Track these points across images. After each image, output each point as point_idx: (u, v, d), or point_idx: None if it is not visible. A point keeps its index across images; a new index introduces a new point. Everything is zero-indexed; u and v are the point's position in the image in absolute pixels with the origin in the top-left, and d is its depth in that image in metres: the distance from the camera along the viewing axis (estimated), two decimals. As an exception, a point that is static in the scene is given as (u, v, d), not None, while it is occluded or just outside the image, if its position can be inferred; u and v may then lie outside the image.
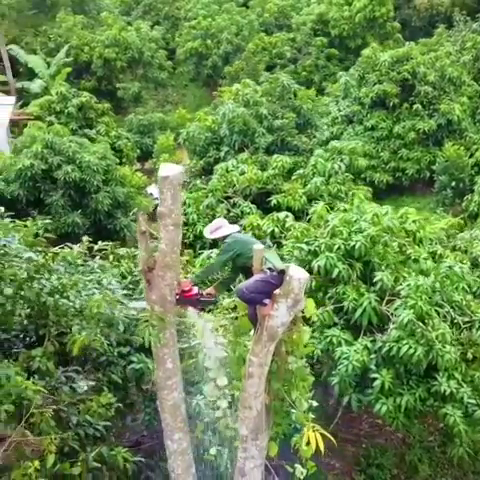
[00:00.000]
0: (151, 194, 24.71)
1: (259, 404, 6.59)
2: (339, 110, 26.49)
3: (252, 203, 15.34)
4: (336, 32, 36.87)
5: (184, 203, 15.71)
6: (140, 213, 5.97)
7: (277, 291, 5.96)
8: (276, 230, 12.86)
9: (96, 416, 8.12)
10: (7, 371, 6.83)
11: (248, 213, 14.69)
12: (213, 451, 8.22)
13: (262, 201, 15.58)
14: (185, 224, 15.58)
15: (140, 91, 35.98)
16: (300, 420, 6.71)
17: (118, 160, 25.90)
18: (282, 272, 5.92)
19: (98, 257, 11.63)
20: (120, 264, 11.49)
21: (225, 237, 6.50)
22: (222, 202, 15.26)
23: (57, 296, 7.59)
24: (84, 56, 36.87)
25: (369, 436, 14.03)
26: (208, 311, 7.90)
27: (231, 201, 15.38)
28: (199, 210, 15.14)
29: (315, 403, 7.15)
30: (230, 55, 37.95)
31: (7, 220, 7.91)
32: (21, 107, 31.37)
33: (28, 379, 7.72)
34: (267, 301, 5.97)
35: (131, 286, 11.23)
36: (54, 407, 7.77)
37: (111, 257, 11.54)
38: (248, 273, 6.21)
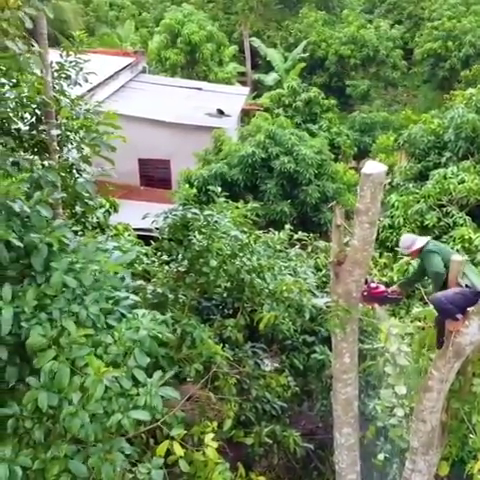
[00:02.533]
0: (363, 193, 24.64)
1: (434, 420, 6.37)
2: None
3: (468, 215, 14.43)
4: None
5: (392, 206, 15.39)
6: (338, 207, 6.11)
7: (471, 308, 5.70)
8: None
9: (273, 394, 8.55)
10: (202, 333, 7.50)
11: (461, 225, 13.88)
12: (381, 457, 8.13)
13: (480, 214, 14.61)
14: (390, 227, 15.27)
15: (369, 89, 35.80)
16: (477, 446, 6.35)
17: (334, 156, 26.41)
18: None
19: (297, 246, 12.07)
20: (317, 256, 11.78)
21: (420, 251, 6.29)
22: (434, 210, 14.62)
23: (254, 275, 8.09)
24: (320, 52, 37.79)
25: None
26: (393, 315, 7.78)
27: (444, 210, 14.65)
28: (407, 215, 14.70)
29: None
30: (471, 58, 35.80)
31: (222, 199, 8.64)
32: (254, 98, 33.32)
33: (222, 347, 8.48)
34: (459, 316, 5.72)
35: (325, 279, 11.48)
36: (238, 377, 8.38)
37: (309, 248, 11.89)
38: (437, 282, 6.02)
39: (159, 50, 28.97)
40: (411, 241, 6.33)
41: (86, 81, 8.45)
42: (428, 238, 6.38)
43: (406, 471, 6.83)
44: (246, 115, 26.18)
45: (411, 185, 16.19)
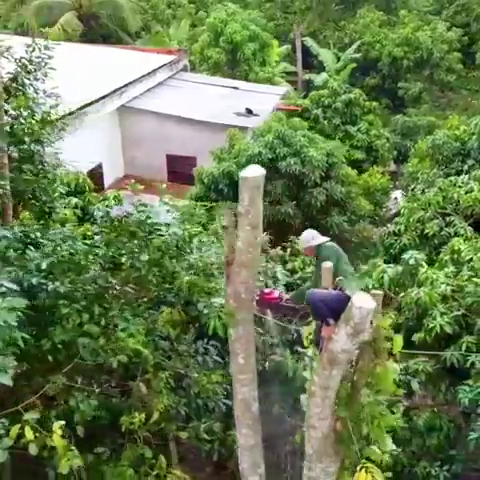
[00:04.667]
0: (395, 198, 24.18)
1: (325, 427, 6.33)
2: None
3: (472, 226, 13.88)
4: None
5: (399, 213, 15.06)
6: (226, 209, 6.20)
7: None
8: (475, 258, 11.51)
9: (204, 391, 8.67)
10: (131, 326, 7.74)
11: (462, 235, 13.38)
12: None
13: (488, 227, 13.99)
14: (395, 234, 14.95)
15: (421, 92, 34.84)
16: (365, 457, 6.27)
17: (372, 159, 25.94)
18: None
19: (279, 248, 12.12)
20: (295, 259, 11.80)
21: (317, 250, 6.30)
22: (437, 218, 14.17)
23: (191, 272, 8.21)
24: (373, 53, 37.08)
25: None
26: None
27: (447, 219, 14.15)
28: (409, 222, 14.33)
29: (393, 446, 6.56)
30: None
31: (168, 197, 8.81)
32: (304, 98, 33.13)
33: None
34: (331, 321, 5.69)
35: (299, 282, 11.46)
36: (172, 371, 8.56)
37: (289, 250, 11.93)
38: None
39: (202, 49, 29.43)
40: (312, 237, 6.35)
41: (45, 76, 8.86)
42: (327, 238, 6.39)
43: (304, 478, 6.81)
44: (282, 115, 26.21)
45: (419, 192, 15.76)
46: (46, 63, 8.93)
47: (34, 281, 7.72)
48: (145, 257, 7.89)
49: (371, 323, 5.76)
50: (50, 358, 7.39)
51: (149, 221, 8.06)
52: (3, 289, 5.38)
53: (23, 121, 8.82)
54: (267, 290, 6.35)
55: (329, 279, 5.70)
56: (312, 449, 6.52)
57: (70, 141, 18.57)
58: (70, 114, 17.98)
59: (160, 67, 24.74)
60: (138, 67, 24.05)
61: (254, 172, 5.62)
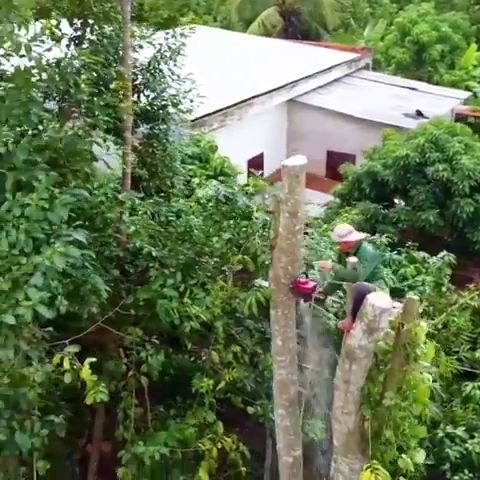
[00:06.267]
0: None
1: (350, 422, 6.33)
2: None
3: None
4: None
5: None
6: (273, 195, 6.44)
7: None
8: None
9: (269, 371, 8.95)
10: (207, 297, 8.34)
11: None
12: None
13: None
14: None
15: None
16: (388, 459, 6.15)
17: None
18: None
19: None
20: (408, 265, 11.56)
21: (355, 246, 6.27)
22: None
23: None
24: None
25: None
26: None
27: None
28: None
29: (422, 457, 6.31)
30: None
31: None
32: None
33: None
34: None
35: (406, 289, 11.17)
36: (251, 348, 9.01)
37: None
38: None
39: (388, 48, 28.87)
40: (347, 231, 6.32)
41: (175, 62, 9.69)
42: (366, 234, 6.33)
43: (332, 468, 6.85)
44: (462, 120, 24.79)
45: None
46: (180, 50, 9.81)
47: (138, 245, 8.88)
48: (227, 236, 8.45)
49: (403, 326, 5.69)
50: (132, 312, 8.32)
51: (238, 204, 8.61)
52: (70, 239, 6.26)
53: (154, 102, 9.84)
54: (303, 279, 6.40)
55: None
56: (337, 442, 6.57)
57: (236, 130, 19.89)
58: (230, 106, 19.35)
59: (337, 65, 24.93)
60: (315, 63, 24.52)
61: (295, 161, 5.83)
